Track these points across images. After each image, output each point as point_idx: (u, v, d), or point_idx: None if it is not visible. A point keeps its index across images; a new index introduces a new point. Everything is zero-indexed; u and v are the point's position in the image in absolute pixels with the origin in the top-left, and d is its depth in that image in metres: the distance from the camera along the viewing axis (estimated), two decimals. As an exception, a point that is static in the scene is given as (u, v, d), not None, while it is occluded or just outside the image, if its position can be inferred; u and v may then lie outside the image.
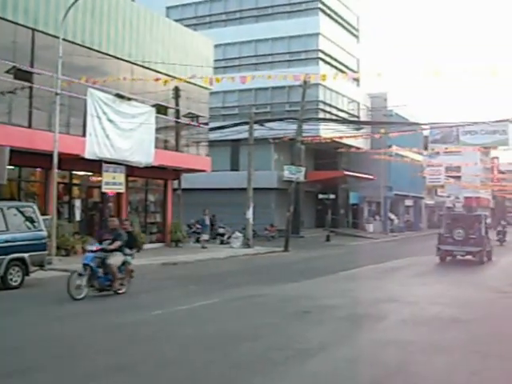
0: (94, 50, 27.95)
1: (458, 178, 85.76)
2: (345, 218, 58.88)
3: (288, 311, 14.70)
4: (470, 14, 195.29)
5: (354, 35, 59.65)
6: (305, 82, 35.76)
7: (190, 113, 34.73)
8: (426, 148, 62.14)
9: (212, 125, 39.20)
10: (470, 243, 29.23)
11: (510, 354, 10.62)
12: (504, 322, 14.35)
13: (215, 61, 38.60)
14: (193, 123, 34.96)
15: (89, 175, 30.19)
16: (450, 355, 10.32)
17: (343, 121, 50.62)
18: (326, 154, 52.43)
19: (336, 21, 55.60)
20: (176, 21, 38.15)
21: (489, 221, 40.44)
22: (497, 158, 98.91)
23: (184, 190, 36.29)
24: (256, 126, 38.53)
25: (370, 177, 55.19)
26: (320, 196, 50.87)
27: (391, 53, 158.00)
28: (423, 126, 47.03)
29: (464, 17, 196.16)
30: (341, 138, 44.42)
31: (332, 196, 49.95)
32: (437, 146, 55.60)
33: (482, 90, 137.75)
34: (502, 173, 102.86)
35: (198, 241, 36.61)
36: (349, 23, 58.29)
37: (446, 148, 65.14)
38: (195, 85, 32.33)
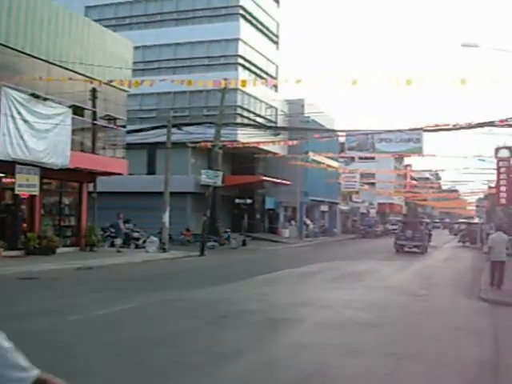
0: (10, 47, 27.16)
1: (373, 184, 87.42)
2: (261, 223, 59.17)
3: (205, 316, 14.69)
4: (390, 23, 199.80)
5: (274, 42, 60.09)
6: (224, 88, 35.82)
7: (107, 115, 34.22)
8: (342, 153, 63.09)
9: (130, 127, 38.74)
10: (416, 240, 43.82)
11: (423, 355, 10.88)
12: (417, 324, 14.70)
13: (134, 63, 38.19)
14: (110, 125, 34.50)
15: (1, 177, 29.35)
16: (365, 358, 10.51)
17: (260, 126, 50.85)
18: (244, 159, 52.58)
19: (256, 27, 55.93)
20: (95, 21, 37.47)
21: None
22: (410, 165, 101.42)
23: (100, 193, 35.65)
24: (174, 130, 38.28)
25: (287, 182, 55.62)
26: (237, 201, 50.97)
27: (310, 60, 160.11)
28: (340, 133, 47.74)
29: (384, 25, 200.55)
30: (258, 143, 44.61)
31: (249, 201, 50.14)
32: (352, 153, 56.47)
33: (398, 99, 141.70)
34: (415, 180, 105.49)
35: (112, 245, 36.10)
36: (269, 29, 58.70)
37: (361, 158, 66.51)
38: (113, 86, 31.87)
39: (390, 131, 37.45)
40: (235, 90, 47.62)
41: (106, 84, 29.97)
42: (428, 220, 62.93)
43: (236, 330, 13.05)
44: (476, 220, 75.43)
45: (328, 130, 52.32)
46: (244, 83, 26.81)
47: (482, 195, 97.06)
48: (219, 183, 38.05)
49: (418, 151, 41.49)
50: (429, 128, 32.50)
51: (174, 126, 39.16)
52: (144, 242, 37.64)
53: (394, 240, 44.98)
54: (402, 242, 44.24)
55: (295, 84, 21.22)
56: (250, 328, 13.31)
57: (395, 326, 14.27)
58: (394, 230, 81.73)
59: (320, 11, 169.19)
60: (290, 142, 44.25)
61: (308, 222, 64.32)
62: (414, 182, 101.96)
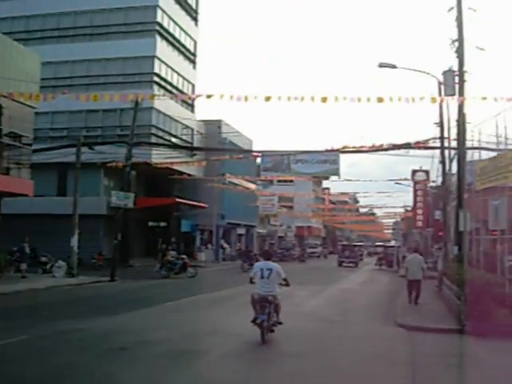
0: None
1: (291, 207, 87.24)
2: (176, 247, 57.65)
3: (103, 348, 13.50)
4: (311, 41, 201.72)
5: (191, 60, 59.18)
6: (136, 103, 34.68)
7: (11, 132, 32.46)
8: (258, 176, 62.54)
9: (39, 146, 37.09)
10: (351, 258, 61.88)
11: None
12: (332, 354, 13.86)
13: (45, 79, 36.61)
14: (15, 143, 32.77)
15: None
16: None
17: (174, 146, 49.72)
18: (159, 181, 51.32)
19: (173, 45, 54.95)
20: (5, 34, 35.64)
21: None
22: (328, 188, 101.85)
23: (5, 215, 33.82)
24: (85, 149, 36.87)
25: (203, 205, 54.60)
26: (150, 223, 49.49)
27: (229, 80, 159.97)
28: (255, 154, 47.05)
29: (305, 44, 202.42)
30: (171, 163, 43.45)
31: (163, 223, 48.76)
32: (268, 174, 55.90)
33: (314, 119, 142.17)
34: (333, 203, 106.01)
35: (18, 270, 34.24)
36: (186, 48, 57.78)
37: (279, 181, 66.18)
38: (18, 102, 30.20)
39: (306, 152, 36.99)
40: (149, 109, 46.55)
41: (10, 99, 28.27)
42: (361, 244, 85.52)
43: (134, 364, 11.93)
44: (393, 243, 76.22)
45: (243, 151, 51.67)
46: (153, 97, 25.77)
47: (398, 218, 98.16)
48: (130, 205, 36.66)
49: (335, 173, 41.28)
50: (346, 149, 32.15)
51: (85, 144, 37.72)
52: (51, 266, 35.88)
53: (337, 258, 62.59)
54: (342, 259, 61.49)
55: (209, 101, 20.27)
56: (150, 361, 12.15)
57: (308, 356, 13.39)
58: (313, 253, 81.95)
59: (241, 31, 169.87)
60: (204, 163, 43.26)
61: (225, 245, 63.36)
62: (333, 206, 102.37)
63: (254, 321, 14.75)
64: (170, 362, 12.25)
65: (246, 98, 19.11)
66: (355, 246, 74.70)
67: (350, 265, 59.48)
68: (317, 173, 44.43)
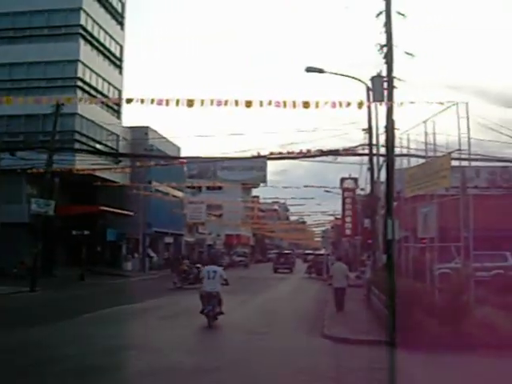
0: None
1: (220, 215, 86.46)
2: (102, 256, 56.14)
3: (5, 366, 12.42)
4: (237, 46, 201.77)
5: (117, 65, 57.78)
6: (57, 108, 33.41)
7: None
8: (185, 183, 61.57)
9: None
10: (286, 264, 67.12)
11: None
12: (255, 368, 13.13)
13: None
14: None
15: None
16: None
17: (97, 152, 48.32)
18: (85, 188, 49.77)
19: (98, 49, 53.50)
20: None
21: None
22: (257, 196, 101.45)
23: None
24: (4, 155, 35.40)
25: (128, 213, 53.25)
26: (74, 232, 47.85)
27: (157, 86, 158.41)
28: (181, 160, 46.07)
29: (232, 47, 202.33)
30: (94, 170, 42.11)
31: (86, 232, 47.12)
32: (194, 181, 55.04)
33: (240, 125, 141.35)
34: (263, 211, 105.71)
35: None
36: (111, 52, 56.36)
37: (208, 188, 65.31)
38: None
39: (232, 159, 36.16)
40: (73, 114, 45.16)
41: None
42: (290, 252, 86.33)
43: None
44: (322, 251, 76.35)
45: (168, 157, 50.49)
46: (69, 100, 24.58)
47: (328, 226, 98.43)
48: (51, 212, 35.27)
49: (262, 180, 40.69)
50: (272, 156, 31.54)
51: (5, 150, 36.22)
52: (-33, 277, 34.25)
53: (273, 265, 67.18)
54: (278, 266, 66.28)
55: (126, 104, 19.26)
56: (55, 380, 11.14)
57: (227, 370, 12.67)
58: (241, 261, 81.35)
59: (168, 38, 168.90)
60: (128, 170, 42.00)
61: (152, 254, 62.01)
62: (262, 214, 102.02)
63: (202, 311, 19.36)
64: (77, 379, 11.37)
65: (167, 103, 18.19)
66: (289, 253, 79.12)
67: (285, 271, 64.69)
68: (243, 180, 43.80)
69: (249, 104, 17.51)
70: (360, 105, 19.37)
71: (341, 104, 17.88)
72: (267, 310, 26.60)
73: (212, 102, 17.91)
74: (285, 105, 17.49)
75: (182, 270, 38.18)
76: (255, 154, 31.68)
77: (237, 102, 17.74)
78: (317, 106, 17.63)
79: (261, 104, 17.47)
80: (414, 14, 28.19)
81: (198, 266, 37.66)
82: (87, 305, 26.54)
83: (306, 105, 17.59)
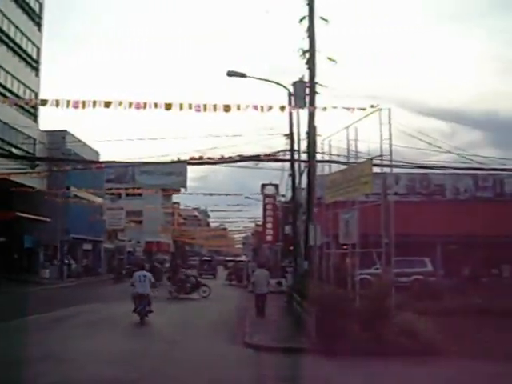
0: None
1: (140, 222, 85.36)
2: (19, 263, 54.43)
3: None
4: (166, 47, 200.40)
5: (34, 67, 56.14)
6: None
7: None
8: (105, 189, 60.26)
9: None
10: (210, 270, 68.52)
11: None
12: (173, 379, 12.68)
13: None
14: None
15: None
16: None
17: (13, 156, 46.81)
18: (0, 194, 48.12)
19: (14, 50, 51.84)
20: None
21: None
22: (178, 203, 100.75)
23: None
24: None
25: (45, 219, 51.81)
26: (-13, 239, 46.23)
27: (76, 89, 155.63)
28: (98, 165, 44.97)
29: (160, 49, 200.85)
30: (9, 175, 40.73)
31: (2, 239, 45.57)
32: (112, 186, 53.97)
33: (160, 129, 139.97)
34: (183, 218, 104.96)
35: None
36: (28, 54, 54.73)
37: (128, 194, 64.26)
38: None
39: (151, 163, 35.48)
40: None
41: None
42: (213, 258, 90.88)
43: None
44: (243, 258, 76.28)
45: (86, 161, 49.24)
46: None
47: (249, 233, 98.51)
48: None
49: (182, 184, 40.16)
50: (193, 161, 31.07)
51: None
52: None
53: (197, 270, 63.69)
54: (202, 272, 64.35)
55: (41, 106, 18.52)
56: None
57: (146, 382, 12.11)
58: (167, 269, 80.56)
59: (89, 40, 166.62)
60: (44, 175, 40.74)
61: (70, 261, 60.51)
62: (183, 220, 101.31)
63: (134, 310, 22.57)
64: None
65: (83, 105, 17.54)
66: (212, 260, 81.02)
67: (209, 276, 64.57)
68: (163, 185, 43.06)
69: (168, 107, 17.09)
70: (282, 108, 19.18)
71: (262, 108, 17.61)
72: (187, 317, 26.07)
73: (130, 104, 17.38)
74: (205, 108, 17.11)
75: (179, 279, 37.13)
76: (175, 158, 31.23)
77: (156, 105, 17.28)
78: (238, 108, 17.34)
79: (181, 107, 17.06)
80: (336, 21, 28.49)
81: (194, 275, 37.02)
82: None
83: (226, 108, 17.30)
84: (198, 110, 17.10)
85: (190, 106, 17.01)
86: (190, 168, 36.25)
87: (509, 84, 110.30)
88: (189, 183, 78.74)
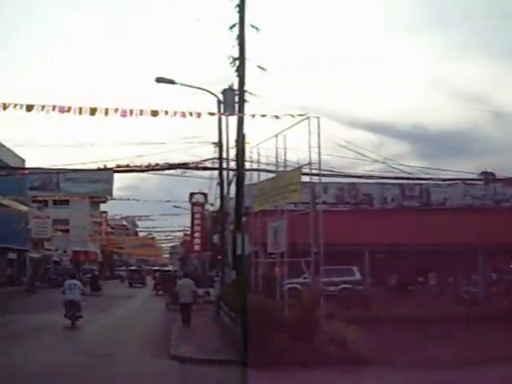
0: None
1: (67, 231, 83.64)
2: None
3: None
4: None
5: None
6: None
7: None
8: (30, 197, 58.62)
9: None
10: (140, 279, 72.55)
11: None
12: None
13: None
14: None
15: None
16: None
17: None
18: None
19: None
20: None
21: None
22: (106, 212, 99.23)
23: None
24: None
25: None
26: None
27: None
28: (23, 172, 43.68)
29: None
30: None
31: None
32: (37, 193, 52.48)
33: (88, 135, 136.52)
34: (112, 227, 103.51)
35: None
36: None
37: (55, 202, 62.62)
38: None
39: (76, 170, 34.59)
40: None
41: None
42: (141, 267, 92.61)
43: None
44: (170, 267, 75.59)
45: (9, 168, 47.89)
46: None
47: (178, 242, 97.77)
48: None
49: (108, 192, 39.31)
50: (119, 168, 30.41)
51: None
52: None
53: (128, 279, 73.33)
54: (132, 281, 71.51)
55: None
56: None
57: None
58: (89, 278, 78.86)
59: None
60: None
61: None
62: (110, 229, 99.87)
63: (65, 315, 24.24)
64: None
65: (4, 107, 16.73)
66: (141, 270, 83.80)
67: (139, 285, 69.57)
68: (88, 192, 41.97)
69: (93, 111, 16.47)
70: (211, 114, 18.83)
71: (191, 113, 17.20)
72: (112, 329, 25.27)
73: (54, 108, 16.71)
74: (131, 113, 16.60)
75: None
76: (102, 166, 30.56)
77: (80, 110, 16.66)
78: (166, 113, 16.90)
79: (106, 112, 16.49)
80: (269, 29, 28.37)
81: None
82: None
83: (154, 113, 16.83)
84: (124, 116, 16.56)
85: (116, 111, 16.47)
86: (118, 177, 35.89)
87: (435, 98, 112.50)
88: (118, 192, 77.92)
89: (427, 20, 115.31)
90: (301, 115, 18.25)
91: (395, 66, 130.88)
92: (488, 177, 43.27)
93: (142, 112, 16.76)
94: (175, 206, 58.50)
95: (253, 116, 19.34)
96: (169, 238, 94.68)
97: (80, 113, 16.68)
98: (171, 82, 27.19)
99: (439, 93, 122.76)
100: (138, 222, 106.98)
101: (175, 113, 17.24)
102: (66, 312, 24.38)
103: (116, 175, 34.94)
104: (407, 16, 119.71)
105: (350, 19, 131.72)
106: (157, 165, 29.59)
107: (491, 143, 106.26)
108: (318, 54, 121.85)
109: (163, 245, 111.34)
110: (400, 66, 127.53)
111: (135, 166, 29.50)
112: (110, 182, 36.39)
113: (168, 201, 60.55)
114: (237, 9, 26.56)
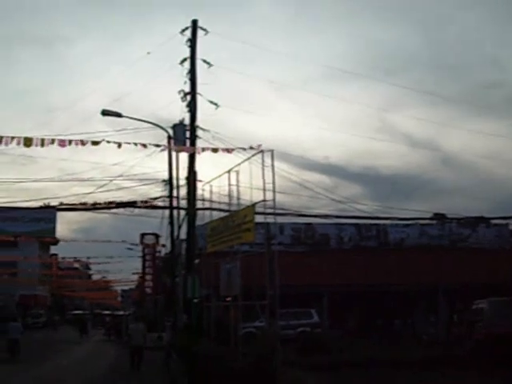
0: None
1: (15, 274, 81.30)
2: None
3: None
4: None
5: None
6: None
7: None
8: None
9: None
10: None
11: None
12: None
13: None
14: None
15: None
16: None
17: None
18: None
19: None
20: None
21: None
22: (56, 254, 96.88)
23: None
24: None
25: None
26: None
27: None
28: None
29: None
30: None
31: None
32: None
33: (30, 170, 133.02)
34: (62, 269, 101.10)
35: None
36: None
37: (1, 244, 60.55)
38: None
39: (16, 209, 33.12)
40: None
41: None
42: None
43: None
44: (121, 312, 73.55)
45: None
46: None
47: (133, 285, 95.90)
48: None
49: (51, 232, 37.80)
50: (63, 207, 29.03)
51: None
52: None
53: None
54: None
55: None
56: None
57: None
58: (36, 323, 76.57)
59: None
60: None
61: None
62: (61, 272, 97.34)
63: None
64: None
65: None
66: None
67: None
68: (29, 232, 40.24)
69: (28, 142, 15.12)
70: (157, 146, 17.71)
71: (136, 144, 16.06)
72: (52, 379, 23.48)
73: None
74: (70, 143, 15.36)
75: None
76: (44, 204, 29.19)
77: (13, 138, 15.24)
78: (108, 142, 15.71)
79: (42, 143, 15.20)
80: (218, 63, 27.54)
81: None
82: None
83: (95, 144, 15.66)
84: (63, 145, 15.33)
85: (53, 142, 15.17)
86: (72, 219, 34.47)
87: (384, 142, 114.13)
88: (72, 235, 75.91)
89: (374, 66, 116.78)
90: (252, 148, 17.27)
91: (347, 111, 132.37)
92: (441, 218, 43.25)
93: (82, 142, 15.53)
94: (128, 248, 56.94)
95: (203, 150, 18.32)
96: (123, 281, 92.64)
97: (11, 142, 15.22)
98: (118, 115, 25.84)
99: (390, 137, 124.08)
100: (92, 265, 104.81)
101: (119, 146, 16.06)
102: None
103: (68, 216, 33.69)
104: (356, 62, 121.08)
105: (301, 62, 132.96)
106: (104, 203, 28.32)
107: (441, 185, 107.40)
108: (272, 94, 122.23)
109: (118, 287, 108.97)
110: (351, 110, 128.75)
111: (80, 204, 28.13)
112: (53, 220, 34.96)
113: (124, 241, 58.65)
114: (188, 43, 26.01)
